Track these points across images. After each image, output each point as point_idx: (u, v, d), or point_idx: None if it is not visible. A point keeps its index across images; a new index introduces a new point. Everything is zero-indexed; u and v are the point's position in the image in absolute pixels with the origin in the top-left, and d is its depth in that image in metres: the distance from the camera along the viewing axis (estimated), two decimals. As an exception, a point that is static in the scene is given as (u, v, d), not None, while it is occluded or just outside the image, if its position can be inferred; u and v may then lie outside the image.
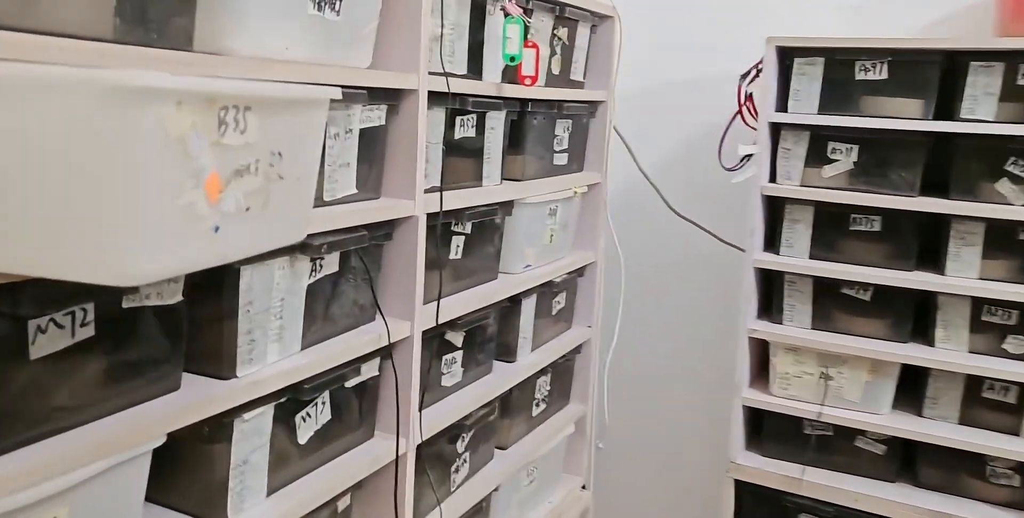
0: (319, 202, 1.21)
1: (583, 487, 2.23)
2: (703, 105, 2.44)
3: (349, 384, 1.30)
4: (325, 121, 0.94)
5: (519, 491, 1.93)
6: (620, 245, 2.22)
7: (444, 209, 1.45)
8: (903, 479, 2.04)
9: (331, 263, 1.23)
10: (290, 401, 1.17)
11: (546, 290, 1.93)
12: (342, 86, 1.19)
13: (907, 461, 2.03)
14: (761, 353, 2.15)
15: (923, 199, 1.91)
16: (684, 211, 2.35)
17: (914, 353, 1.93)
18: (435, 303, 1.43)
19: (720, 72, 2.39)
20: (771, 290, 2.11)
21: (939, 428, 1.94)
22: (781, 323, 2.09)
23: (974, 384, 1.94)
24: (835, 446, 2.07)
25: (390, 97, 1.32)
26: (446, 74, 1.36)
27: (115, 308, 0.91)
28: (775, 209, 2.09)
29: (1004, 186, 1.86)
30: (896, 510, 1.95)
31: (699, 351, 2.54)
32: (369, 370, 1.34)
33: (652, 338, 2.61)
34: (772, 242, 2.12)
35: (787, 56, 2.01)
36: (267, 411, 1.13)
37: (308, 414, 1.21)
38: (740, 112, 2.12)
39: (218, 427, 1.05)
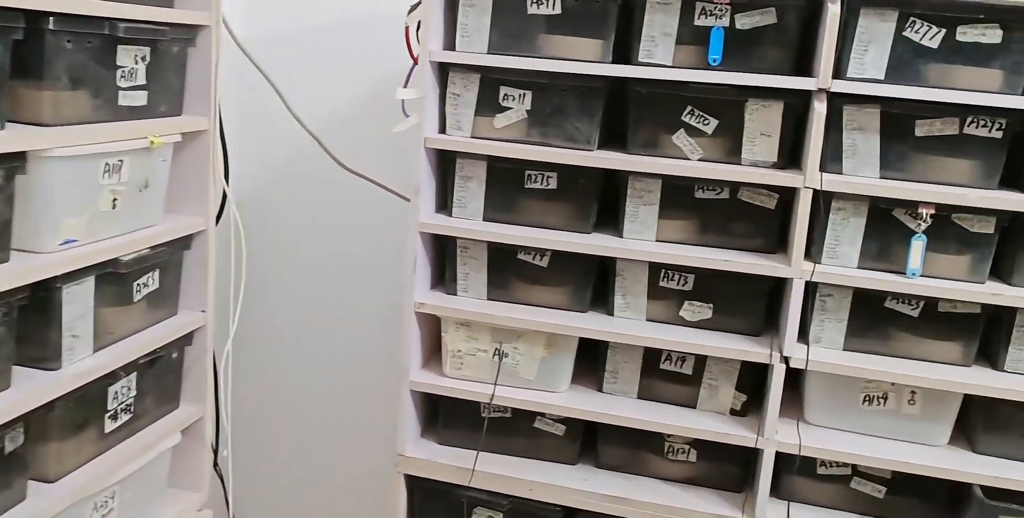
0: None
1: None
2: (376, 45, 2.06)
3: None
4: None
5: (83, 527, 1.44)
6: (239, 207, 1.77)
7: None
8: (585, 460, 1.80)
9: None
10: None
11: (115, 270, 1.43)
12: None
13: (588, 440, 1.79)
14: (438, 330, 1.83)
15: (598, 153, 1.64)
16: (351, 167, 1.96)
17: (589, 325, 1.67)
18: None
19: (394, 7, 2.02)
20: (446, 257, 1.78)
21: (617, 405, 1.71)
22: (455, 294, 1.77)
23: (652, 356, 1.72)
24: (515, 429, 1.79)
25: None
26: None
27: None
28: (448, 165, 1.76)
29: (681, 139, 1.63)
30: (571, 497, 1.70)
31: (362, 331, 2.18)
32: None
33: (296, 320, 2.21)
34: (446, 202, 1.79)
35: (453, -16, 1.66)
36: None
37: None
38: (410, 52, 1.75)
39: None
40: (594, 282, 1.73)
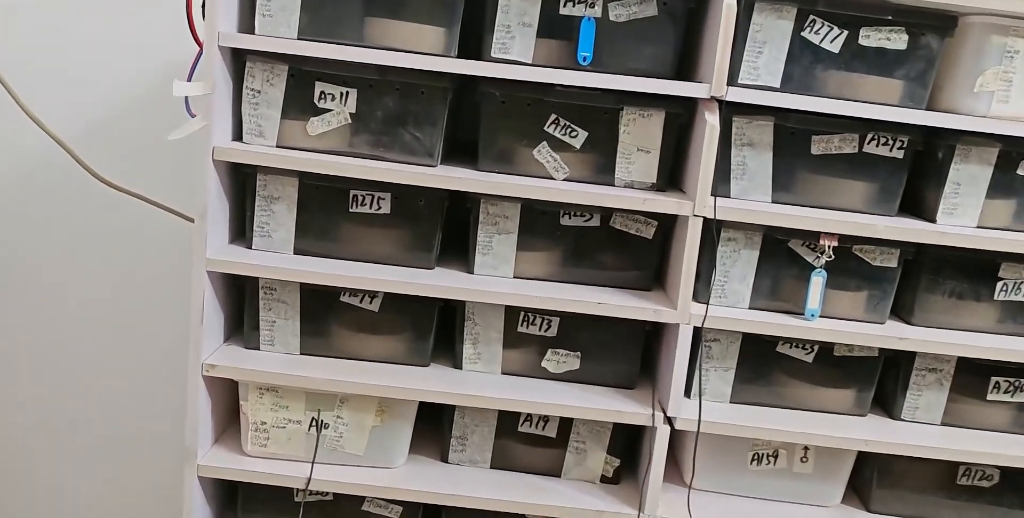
0: None
1: None
2: (154, 23, 1.62)
3: None
4: None
5: None
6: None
7: None
8: (427, 545, 1.45)
9: None
10: None
11: None
12: None
13: (431, 519, 1.45)
14: (235, 395, 1.42)
15: (442, 170, 1.30)
16: (116, 182, 1.51)
17: (431, 385, 1.32)
18: None
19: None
20: (245, 301, 1.38)
21: (465, 480, 1.38)
22: (258, 348, 1.37)
23: (509, 417, 1.40)
24: (338, 513, 1.41)
25: None
26: None
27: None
28: (247, 181, 1.35)
29: (544, 153, 1.32)
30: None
31: (134, 402, 1.74)
32: None
33: (47, 387, 1.76)
34: (244, 230, 1.39)
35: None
36: None
37: None
38: (194, 34, 1.34)
39: None
40: (439, 326, 1.38)
